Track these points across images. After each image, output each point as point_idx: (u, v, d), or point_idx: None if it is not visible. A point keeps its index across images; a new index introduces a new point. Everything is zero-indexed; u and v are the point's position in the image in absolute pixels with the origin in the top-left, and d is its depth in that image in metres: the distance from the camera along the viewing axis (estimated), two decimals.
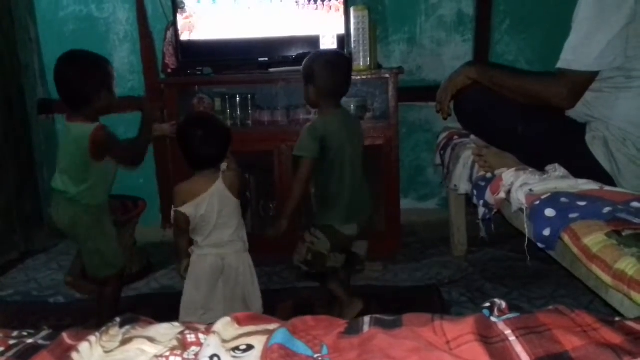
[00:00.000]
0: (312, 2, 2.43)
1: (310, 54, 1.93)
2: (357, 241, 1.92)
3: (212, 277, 1.68)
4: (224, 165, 1.70)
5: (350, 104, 2.49)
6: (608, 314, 1.11)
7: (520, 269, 2.27)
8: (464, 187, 2.01)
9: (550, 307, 0.76)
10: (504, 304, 0.77)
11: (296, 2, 2.43)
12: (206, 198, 1.65)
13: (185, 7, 2.43)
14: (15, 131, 2.61)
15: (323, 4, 2.43)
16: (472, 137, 2.04)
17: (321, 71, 1.81)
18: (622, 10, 1.41)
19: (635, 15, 1.41)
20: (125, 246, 2.25)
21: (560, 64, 1.52)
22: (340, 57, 1.94)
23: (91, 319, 1.89)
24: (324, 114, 1.86)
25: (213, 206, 1.65)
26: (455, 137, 2.21)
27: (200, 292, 1.68)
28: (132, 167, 2.03)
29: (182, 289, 1.71)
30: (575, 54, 1.49)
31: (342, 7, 2.42)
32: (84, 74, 1.74)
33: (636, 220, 1.18)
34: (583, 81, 1.51)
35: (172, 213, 1.68)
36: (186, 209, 1.64)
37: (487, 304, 0.76)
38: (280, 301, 2.06)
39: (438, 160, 2.32)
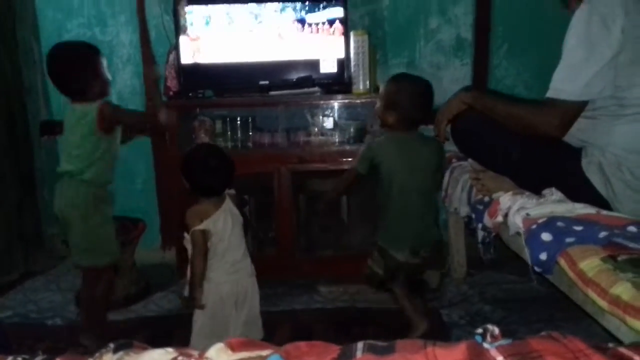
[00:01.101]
0: (312, 26, 2.47)
1: (398, 77, 1.95)
2: (428, 270, 1.93)
3: (228, 306, 1.70)
4: (229, 190, 1.78)
5: (350, 126, 2.52)
6: (606, 338, 1.11)
7: (519, 292, 2.27)
8: (464, 210, 2.01)
9: (543, 333, 0.76)
10: (496, 330, 0.77)
11: (297, 26, 2.47)
12: (220, 214, 1.71)
13: (188, 31, 2.47)
14: (17, 152, 2.63)
15: (323, 28, 2.47)
16: (470, 160, 2.05)
17: (406, 100, 1.84)
18: (608, 41, 1.43)
19: (622, 46, 1.43)
20: (124, 267, 2.26)
21: (549, 94, 1.54)
22: (427, 88, 1.92)
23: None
24: (387, 137, 1.90)
25: (227, 223, 1.71)
26: (454, 160, 2.22)
27: (216, 320, 1.69)
28: (148, 132, 2.08)
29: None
30: (563, 84, 1.50)
31: (342, 31, 2.45)
32: (69, 68, 1.82)
33: (632, 245, 1.19)
34: (572, 111, 1.52)
35: (188, 236, 1.70)
36: (206, 225, 1.68)
37: (480, 330, 0.76)
38: (279, 324, 2.06)
39: None
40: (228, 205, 1.74)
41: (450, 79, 2.74)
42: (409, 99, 1.84)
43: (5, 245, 2.56)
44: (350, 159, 2.37)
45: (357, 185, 2.00)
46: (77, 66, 1.83)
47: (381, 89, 1.91)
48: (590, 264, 1.15)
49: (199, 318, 1.70)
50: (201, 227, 1.67)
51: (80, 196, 1.83)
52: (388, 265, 1.86)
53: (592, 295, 1.11)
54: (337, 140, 2.52)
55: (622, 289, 1.04)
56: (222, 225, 1.70)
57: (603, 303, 1.08)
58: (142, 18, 2.69)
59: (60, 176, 1.86)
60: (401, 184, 1.84)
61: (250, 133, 2.52)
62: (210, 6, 2.46)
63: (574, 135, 1.60)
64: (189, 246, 1.71)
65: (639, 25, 1.43)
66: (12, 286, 2.54)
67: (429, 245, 1.87)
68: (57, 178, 1.89)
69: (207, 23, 2.47)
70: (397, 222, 1.86)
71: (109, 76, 1.92)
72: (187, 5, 2.45)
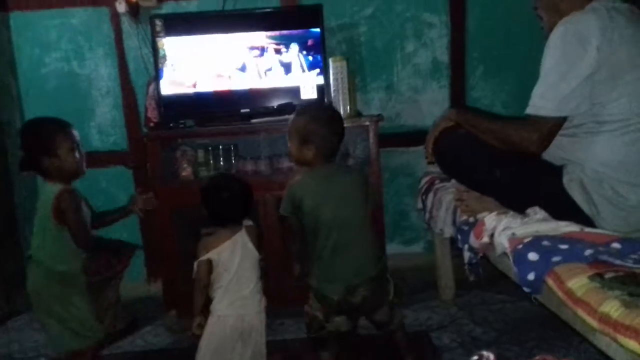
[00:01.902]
0: (291, 53, 2.49)
1: (302, 110, 1.84)
2: (374, 310, 1.76)
3: (232, 340, 1.68)
4: (247, 221, 1.79)
5: None
6: (598, 356, 1.12)
7: (510, 311, 2.27)
8: (448, 230, 2.03)
9: (538, 358, 0.76)
10: (492, 356, 0.77)
11: (276, 53, 2.49)
12: (229, 245, 1.70)
13: (167, 62, 2.47)
14: None
15: (302, 55, 2.49)
16: (453, 181, 2.07)
17: (319, 129, 1.71)
18: (584, 60, 1.48)
19: (598, 64, 1.47)
20: (109, 304, 2.21)
21: (528, 110, 1.59)
22: (335, 112, 1.86)
23: None
24: (307, 174, 1.76)
25: (235, 254, 1.71)
26: (437, 181, 2.24)
27: (218, 354, 1.68)
28: (80, 246, 1.83)
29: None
30: (542, 101, 1.55)
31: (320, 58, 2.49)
32: (27, 142, 1.83)
33: (617, 262, 1.20)
34: (550, 127, 1.56)
35: (195, 266, 1.71)
36: (210, 254, 1.69)
37: (476, 357, 0.76)
38: (269, 353, 2.02)
39: (420, 205, 2.35)
40: (241, 237, 1.73)
41: (429, 101, 2.78)
42: (322, 128, 1.72)
43: None
44: None
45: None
46: (32, 139, 1.82)
47: (289, 127, 1.78)
48: (578, 282, 1.16)
49: (203, 350, 1.69)
50: (205, 256, 1.68)
51: (41, 280, 1.78)
52: (325, 306, 1.71)
53: (582, 314, 1.12)
54: None
55: (611, 307, 1.05)
56: (229, 255, 1.69)
57: (593, 322, 1.09)
58: (121, 50, 2.70)
59: (29, 257, 1.82)
60: (329, 219, 1.69)
61: (233, 161, 2.51)
62: (188, 37, 2.48)
63: (555, 153, 1.63)
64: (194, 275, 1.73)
65: (615, 43, 1.48)
66: None
67: (367, 281, 1.70)
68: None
69: (186, 53, 2.48)
70: (327, 259, 1.70)
71: (77, 155, 1.84)
72: (165, 37, 2.46)
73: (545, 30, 1.65)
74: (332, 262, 1.70)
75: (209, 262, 1.69)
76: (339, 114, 1.89)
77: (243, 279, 1.72)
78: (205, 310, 1.72)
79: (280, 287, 2.36)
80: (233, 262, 1.70)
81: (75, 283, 1.83)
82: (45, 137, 1.81)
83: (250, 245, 1.74)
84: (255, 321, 1.73)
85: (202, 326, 1.70)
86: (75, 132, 1.87)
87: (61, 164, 1.80)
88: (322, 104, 1.87)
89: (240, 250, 1.71)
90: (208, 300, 1.73)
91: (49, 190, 1.78)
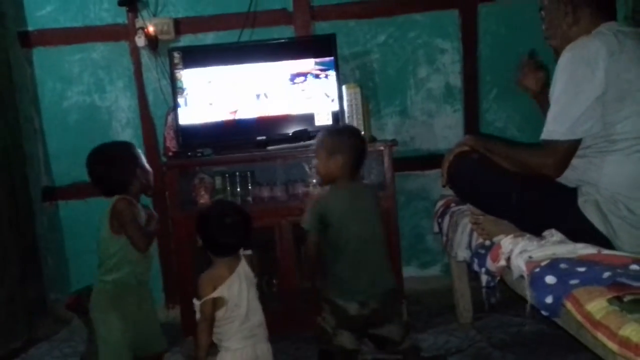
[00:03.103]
0: (306, 81, 2.55)
1: (327, 130, 1.95)
2: (385, 325, 1.78)
3: None
4: (246, 251, 1.73)
5: None
6: None
7: (528, 334, 2.25)
8: (462, 254, 2.02)
9: None
10: None
11: (291, 82, 2.54)
12: (235, 279, 1.63)
13: (185, 93, 2.54)
14: (19, 219, 2.64)
15: (317, 83, 2.54)
16: (468, 204, 2.08)
17: (344, 140, 1.82)
18: (593, 82, 1.51)
19: (607, 85, 1.50)
20: None
21: (542, 135, 1.62)
22: (355, 128, 1.99)
23: None
24: (333, 190, 1.83)
25: (243, 286, 1.64)
26: (452, 204, 2.25)
27: None
28: (140, 250, 1.86)
29: None
30: (554, 126, 1.58)
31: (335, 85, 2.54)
32: (114, 164, 1.87)
33: (636, 284, 1.20)
34: (565, 150, 1.58)
35: (198, 303, 1.62)
36: (220, 291, 1.60)
37: None
38: None
39: (436, 229, 2.35)
40: (243, 267, 1.67)
41: (443, 125, 2.80)
42: (346, 139, 1.82)
43: (8, 313, 2.54)
44: None
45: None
46: (119, 162, 1.88)
47: (316, 145, 1.89)
48: (597, 305, 1.16)
49: None
50: (214, 294, 1.59)
51: (96, 293, 1.84)
52: (338, 320, 1.75)
53: (602, 337, 1.12)
54: None
55: (631, 330, 1.04)
56: (238, 289, 1.63)
57: (613, 345, 1.08)
58: (140, 83, 2.77)
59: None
60: (353, 234, 1.76)
61: (250, 188, 2.55)
62: (205, 68, 2.54)
63: (568, 175, 1.64)
64: (198, 314, 1.64)
65: (623, 65, 1.50)
66: (16, 354, 2.50)
67: (379, 295, 1.76)
68: None
69: (203, 84, 2.54)
70: (346, 273, 1.76)
71: (149, 170, 1.95)
72: (183, 69, 2.53)
73: (555, 55, 1.68)
74: (351, 276, 1.75)
75: (217, 300, 1.60)
76: (359, 130, 2.00)
77: (252, 310, 1.66)
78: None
79: (294, 313, 2.37)
80: (243, 296, 1.63)
81: (126, 301, 1.82)
82: (130, 158, 1.90)
83: (251, 273, 1.70)
84: (265, 348, 1.69)
85: None
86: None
87: (141, 181, 1.90)
88: (345, 124, 2.00)
89: (245, 282, 1.66)
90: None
91: (110, 202, 1.83)
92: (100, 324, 1.81)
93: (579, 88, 1.53)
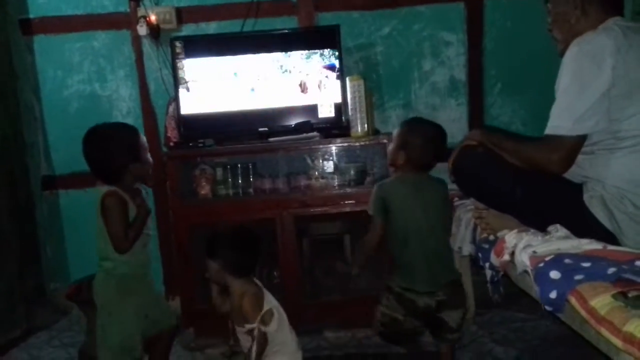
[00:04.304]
0: (309, 73, 2.52)
1: (412, 120, 2.01)
2: (446, 310, 1.84)
3: None
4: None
5: (350, 169, 2.54)
6: None
7: (530, 330, 2.24)
8: (467, 248, 2.00)
9: None
10: None
11: (293, 73, 2.52)
12: (264, 292, 1.72)
13: (186, 83, 2.52)
14: (19, 208, 2.63)
15: (320, 74, 2.52)
16: (471, 198, 2.06)
17: (417, 142, 1.86)
18: (599, 79, 1.47)
19: (614, 82, 1.47)
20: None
21: (547, 131, 1.58)
22: (440, 133, 1.94)
23: None
24: (398, 177, 1.92)
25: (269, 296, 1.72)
26: (456, 198, 2.22)
27: None
28: (117, 252, 1.73)
29: None
30: (559, 121, 1.54)
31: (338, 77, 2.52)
32: (107, 150, 1.73)
33: None
34: (570, 146, 1.55)
35: (248, 327, 1.65)
36: (268, 304, 1.68)
37: None
38: None
39: None
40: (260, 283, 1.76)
41: (447, 119, 2.78)
42: (420, 141, 1.87)
43: (7, 302, 2.53)
44: (352, 202, 2.38)
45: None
46: (114, 146, 1.74)
47: (395, 131, 1.96)
48: (602, 301, 1.14)
49: None
50: (265, 307, 1.65)
51: (97, 282, 1.77)
52: (406, 308, 1.83)
53: (605, 333, 1.10)
54: (337, 183, 2.53)
55: (636, 326, 1.02)
56: (277, 303, 1.72)
57: (617, 341, 1.06)
58: (141, 72, 2.75)
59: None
60: (417, 225, 1.84)
61: (252, 179, 2.54)
62: (207, 58, 2.52)
63: (574, 171, 1.61)
64: (243, 337, 1.68)
65: (631, 61, 1.47)
66: (15, 344, 2.50)
67: (445, 286, 1.84)
68: None
69: (205, 74, 2.52)
70: (413, 262, 1.84)
71: (149, 160, 1.83)
72: (185, 58, 2.51)
73: (560, 50, 1.65)
74: (414, 267, 1.83)
75: (269, 312, 1.66)
76: (443, 135, 1.96)
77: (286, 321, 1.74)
78: None
79: (296, 305, 2.36)
80: (280, 309, 1.71)
81: (128, 290, 1.75)
82: (129, 141, 1.77)
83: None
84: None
85: None
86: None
87: (141, 167, 1.78)
88: (434, 123, 1.97)
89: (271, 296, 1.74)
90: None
91: (99, 192, 1.73)
92: (109, 314, 1.75)
93: (585, 84, 1.50)
